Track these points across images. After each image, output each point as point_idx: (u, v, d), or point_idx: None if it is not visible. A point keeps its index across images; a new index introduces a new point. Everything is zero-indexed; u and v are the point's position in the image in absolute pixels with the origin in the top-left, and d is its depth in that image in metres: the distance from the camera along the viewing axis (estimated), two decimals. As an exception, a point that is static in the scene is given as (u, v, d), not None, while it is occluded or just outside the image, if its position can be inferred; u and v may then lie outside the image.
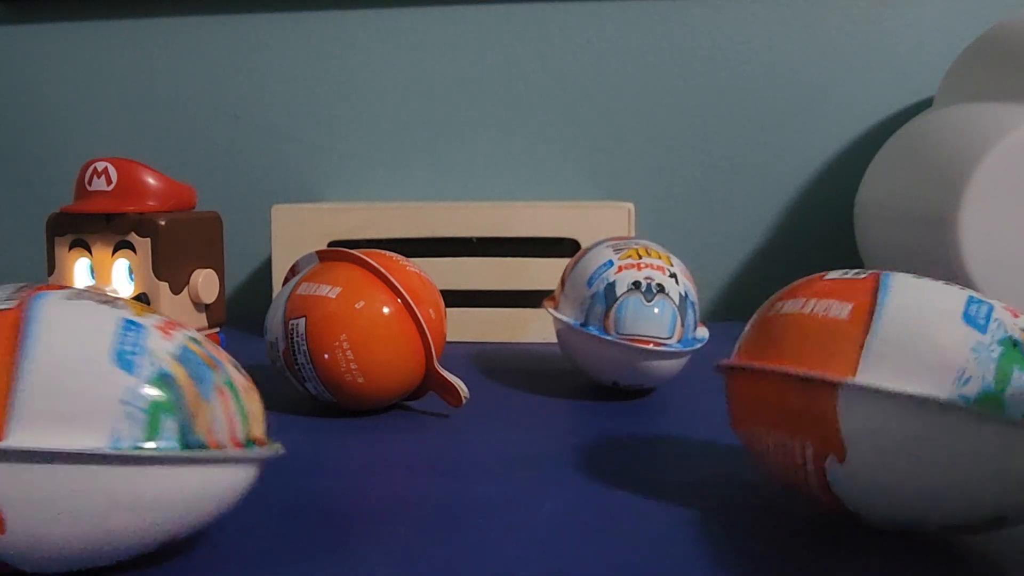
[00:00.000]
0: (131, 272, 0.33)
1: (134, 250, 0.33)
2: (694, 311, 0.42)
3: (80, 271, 0.33)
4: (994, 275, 0.49)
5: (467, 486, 0.30)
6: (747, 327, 0.28)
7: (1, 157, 0.79)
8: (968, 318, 0.23)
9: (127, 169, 0.33)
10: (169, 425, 0.22)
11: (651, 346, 0.40)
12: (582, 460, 0.33)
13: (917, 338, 0.23)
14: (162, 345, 0.23)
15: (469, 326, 0.60)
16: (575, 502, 0.29)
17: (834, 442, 0.23)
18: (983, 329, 0.23)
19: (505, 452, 0.34)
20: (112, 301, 0.23)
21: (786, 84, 0.70)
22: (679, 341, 0.41)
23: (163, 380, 0.22)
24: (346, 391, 0.38)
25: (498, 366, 0.51)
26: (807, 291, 0.26)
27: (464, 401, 0.39)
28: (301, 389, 0.40)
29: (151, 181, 0.34)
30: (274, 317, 0.39)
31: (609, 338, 0.40)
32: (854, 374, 0.23)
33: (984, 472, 0.22)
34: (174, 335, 0.23)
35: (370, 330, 0.37)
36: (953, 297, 0.24)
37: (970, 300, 0.24)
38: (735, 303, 0.72)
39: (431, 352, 0.39)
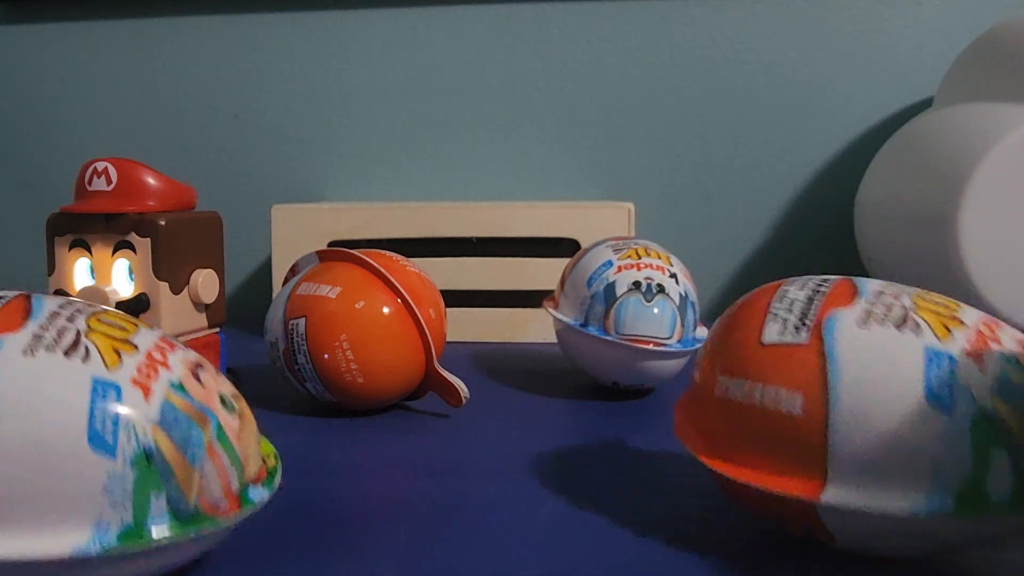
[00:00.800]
0: (131, 272, 0.33)
1: (134, 250, 0.33)
2: (694, 311, 0.42)
3: (80, 271, 0.33)
4: (994, 275, 0.49)
5: (467, 486, 0.30)
6: (695, 390, 0.26)
7: (1, 157, 0.79)
8: (931, 396, 0.20)
9: (127, 169, 0.33)
10: (158, 502, 0.20)
11: (651, 346, 0.40)
12: (582, 460, 0.33)
13: (881, 433, 0.21)
14: (142, 412, 0.20)
15: (469, 326, 0.60)
16: (575, 502, 0.29)
17: (822, 531, 0.23)
18: (950, 409, 0.20)
19: (505, 452, 0.34)
20: (79, 343, 0.20)
21: (786, 84, 0.70)
22: (679, 341, 0.41)
23: (147, 457, 0.20)
24: (346, 391, 0.38)
25: (498, 366, 0.51)
26: (749, 368, 0.23)
27: (464, 401, 0.39)
28: (301, 389, 0.40)
29: (151, 181, 0.34)
30: (274, 317, 0.39)
31: (609, 338, 0.40)
32: (824, 484, 0.21)
33: (975, 538, 0.21)
34: (154, 390, 0.21)
35: (370, 330, 0.37)
36: (910, 360, 0.21)
37: (928, 360, 0.21)
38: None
39: (431, 352, 0.39)
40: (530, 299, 0.60)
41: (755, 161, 0.71)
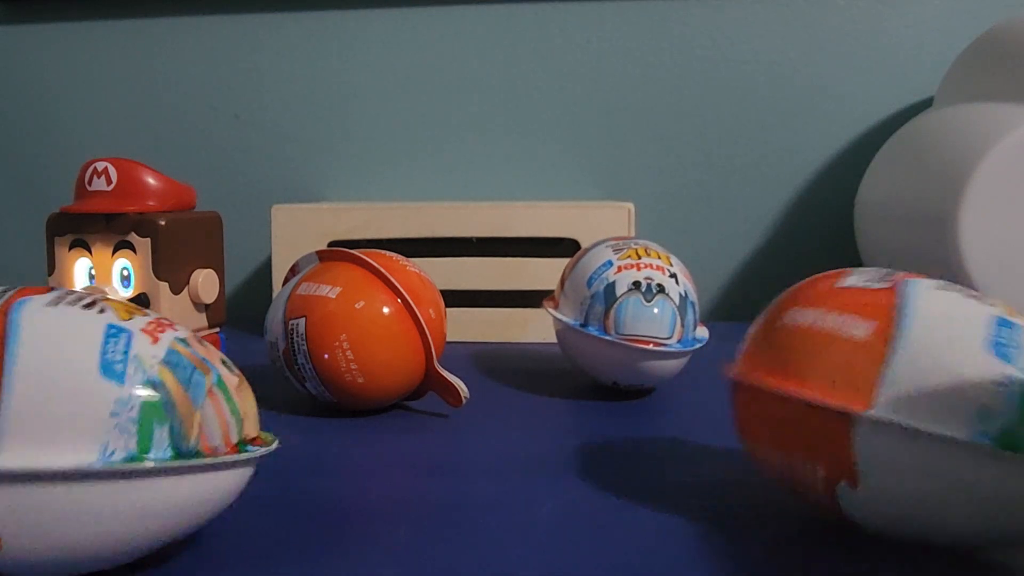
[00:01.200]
0: (131, 272, 0.33)
1: (134, 250, 0.33)
2: (694, 311, 0.42)
3: (80, 271, 0.33)
4: (994, 275, 0.49)
5: (467, 486, 0.30)
6: (755, 329, 0.27)
7: (1, 157, 0.79)
8: (996, 346, 0.22)
9: (127, 169, 0.33)
10: (161, 434, 0.21)
11: (651, 346, 0.40)
12: (582, 460, 0.33)
13: (939, 371, 0.22)
14: (149, 350, 0.22)
15: (469, 326, 0.60)
16: (575, 502, 0.29)
17: (847, 469, 0.23)
18: (1010, 359, 0.22)
19: (505, 452, 0.34)
20: (95, 303, 0.23)
21: (786, 84, 0.70)
22: (679, 341, 0.41)
23: (152, 388, 0.21)
24: (346, 391, 0.38)
25: (498, 366, 0.51)
26: (823, 300, 0.24)
27: (464, 401, 0.39)
28: (301, 389, 0.40)
29: (151, 181, 0.34)
30: (274, 317, 0.39)
31: (609, 338, 0.40)
32: (870, 405, 0.22)
33: (1003, 503, 0.21)
34: (161, 338, 0.23)
35: (370, 330, 0.37)
36: (981, 319, 0.22)
37: (999, 323, 0.22)
38: (735, 303, 0.72)
39: (431, 352, 0.39)
40: (530, 299, 0.60)
41: (755, 161, 0.71)
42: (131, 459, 0.21)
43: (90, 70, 0.76)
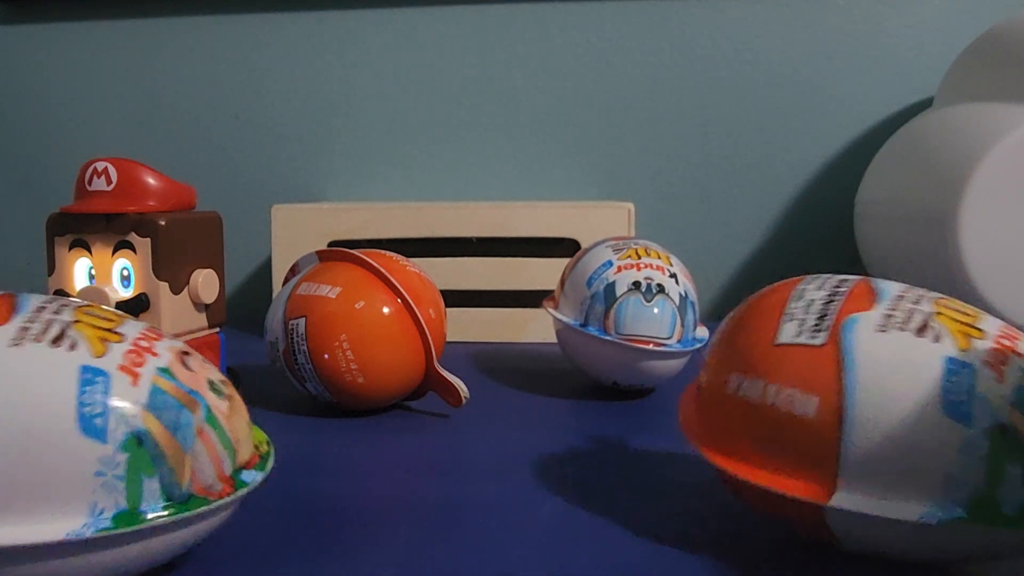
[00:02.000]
0: (131, 272, 0.33)
1: (134, 250, 0.33)
2: (694, 311, 0.42)
3: (80, 271, 0.33)
4: (994, 275, 0.49)
5: (467, 486, 0.30)
6: (706, 387, 0.25)
7: (1, 157, 0.79)
8: (949, 406, 0.20)
9: (127, 169, 0.33)
10: (151, 485, 0.20)
11: (651, 346, 0.40)
12: (582, 460, 0.33)
13: (896, 441, 0.20)
14: (130, 395, 0.20)
15: (469, 326, 0.60)
16: (575, 502, 0.29)
17: (825, 534, 0.23)
18: (968, 419, 0.20)
19: (505, 452, 0.34)
20: (64, 336, 0.21)
21: (786, 84, 0.70)
22: (679, 341, 0.41)
23: (138, 440, 0.20)
24: (346, 391, 0.38)
25: (498, 366, 0.51)
26: (763, 368, 0.23)
27: (464, 401, 0.39)
28: (301, 389, 0.40)
29: (151, 181, 0.34)
30: (274, 317, 0.39)
31: (609, 338, 0.40)
32: (834, 489, 0.21)
33: (983, 552, 0.21)
34: (142, 374, 0.21)
35: (370, 330, 0.37)
36: (929, 369, 0.21)
37: (948, 370, 0.20)
38: (735, 303, 0.72)
39: (431, 352, 0.39)
40: (530, 299, 0.60)
41: (755, 161, 0.71)
42: (122, 515, 0.20)
43: (90, 70, 0.76)
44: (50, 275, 0.31)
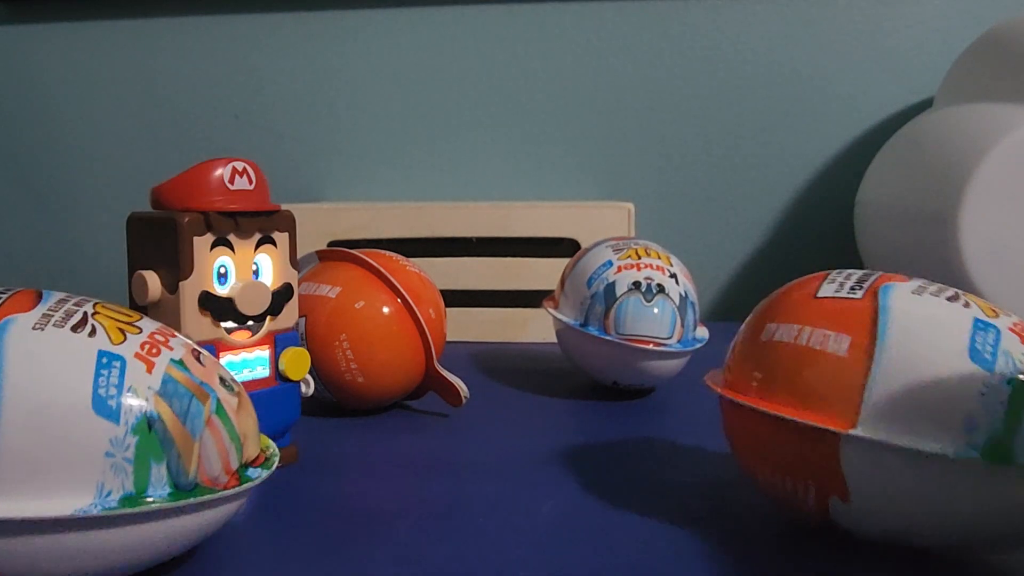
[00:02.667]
0: (270, 266, 0.33)
1: (275, 244, 0.33)
2: (694, 311, 0.42)
3: (220, 269, 0.32)
4: (994, 275, 0.49)
5: (467, 486, 0.30)
6: (737, 343, 0.27)
7: (1, 157, 0.79)
8: (974, 354, 0.22)
9: (256, 168, 0.34)
10: (159, 471, 0.21)
11: (651, 346, 0.40)
12: (582, 460, 0.33)
13: (921, 382, 0.21)
14: (144, 380, 0.21)
15: (469, 326, 0.60)
16: (575, 502, 0.29)
17: (837, 485, 0.23)
18: (991, 366, 0.21)
19: (505, 452, 0.34)
20: (85, 322, 0.21)
21: (786, 84, 0.70)
22: (679, 341, 0.41)
23: (148, 424, 0.20)
24: (346, 391, 0.38)
25: (498, 366, 0.51)
26: (800, 315, 0.24)
27: (464, 401, 0.39)
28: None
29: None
30: (274, 317, 0.39)
31: (609, 338, 0.40)
32: (856, 423, 0.22)
33: (995, 511, 0.21)
34: (156, 363, 0.21)
35: (370, 330, 0.37)
36: (958, 324, 0.22)
37: (976, 326, 0.22)
38: (735, 303, 0.72)
39: (431, 352, 0.39)
40: (530, 299, 0.60)
41: (755, 161, 0.71)
42: (128, 498, 0.20)
43: (90, 70, 0.76)
44: (184, 279, 0.30)
